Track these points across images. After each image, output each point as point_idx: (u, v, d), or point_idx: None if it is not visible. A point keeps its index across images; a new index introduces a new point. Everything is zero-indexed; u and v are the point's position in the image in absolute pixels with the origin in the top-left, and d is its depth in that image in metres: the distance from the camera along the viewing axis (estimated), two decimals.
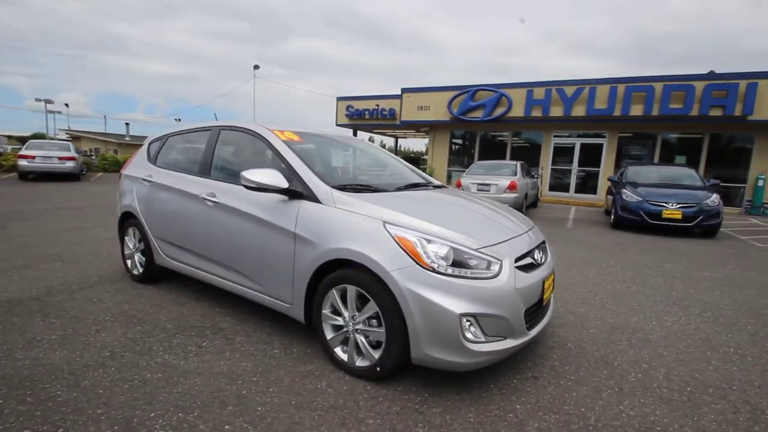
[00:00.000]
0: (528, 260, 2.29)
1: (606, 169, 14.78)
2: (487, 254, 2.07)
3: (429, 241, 2.02)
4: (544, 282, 2.33)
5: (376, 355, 2.14)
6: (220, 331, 2.81)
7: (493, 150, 16.86)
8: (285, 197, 2.53)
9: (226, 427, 1.80)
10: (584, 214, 10.90)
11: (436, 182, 3.43)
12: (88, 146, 30.56)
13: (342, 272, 2.22)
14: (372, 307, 2.12)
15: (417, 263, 1.98)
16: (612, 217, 8.79)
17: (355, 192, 2.47)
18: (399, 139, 28.91)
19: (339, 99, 21.14)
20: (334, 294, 2.26)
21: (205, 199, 2.98)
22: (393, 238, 2.06)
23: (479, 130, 17.05)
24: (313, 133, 3.27)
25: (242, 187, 2.78)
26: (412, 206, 2.43)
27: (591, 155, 15.12)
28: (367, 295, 2.12)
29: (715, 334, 3.05)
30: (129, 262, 3.89)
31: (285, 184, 2.46)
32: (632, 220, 8.03)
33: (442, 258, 1.99)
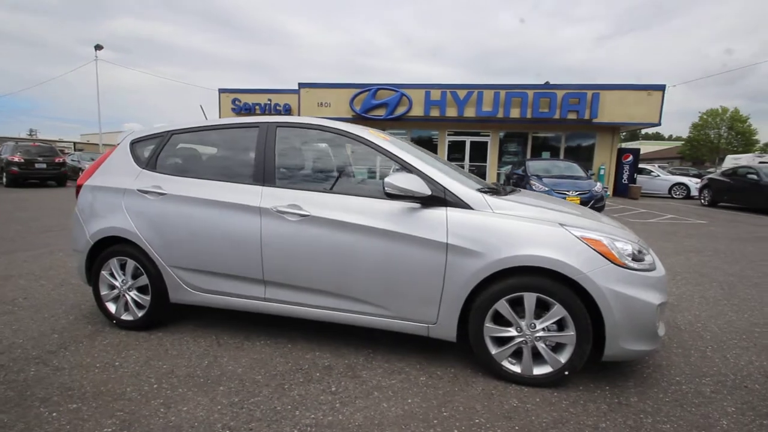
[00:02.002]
0: None
1: (492, 163, 16.93)
2: (643, 247, 2.24)
3: (615, 240, 2.09)
4: None
5: (562, 359, 2.11)
6: (331, 369, 2.34)
7: None
8: (416, 205, 2.25)
9: None
10: None
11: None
12: None
13: (516, 280, 2.10)
14: (558, 312, 2.07)
15: (612, 262, 2.02)
16: None
17: (491, 195, 2.34)
18: None
19: (222, 91, 19.07)
20: (505, 304, 2.13)
21: (283, 212, 2.43)
22: (581, 240, 2.05)
23: (382, 129, 17.51)
24: (385, 132, 2.95)
25: (341, 196, 2.39)
26: (555, 207, 2.44)
27: (479, 151, 17.11)
28: (551, 300, 2.07)
29: (704, 292, 3.88)
30: (113, 306, 2.88)
31: (428, 191, 2.19)
32: None
33: (629, 255, 2.08)
